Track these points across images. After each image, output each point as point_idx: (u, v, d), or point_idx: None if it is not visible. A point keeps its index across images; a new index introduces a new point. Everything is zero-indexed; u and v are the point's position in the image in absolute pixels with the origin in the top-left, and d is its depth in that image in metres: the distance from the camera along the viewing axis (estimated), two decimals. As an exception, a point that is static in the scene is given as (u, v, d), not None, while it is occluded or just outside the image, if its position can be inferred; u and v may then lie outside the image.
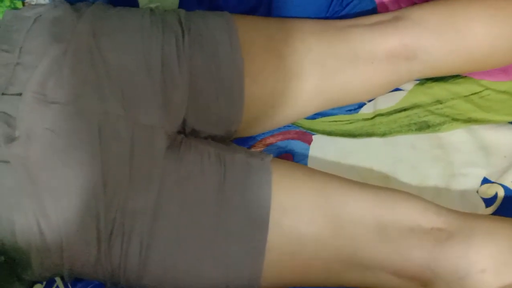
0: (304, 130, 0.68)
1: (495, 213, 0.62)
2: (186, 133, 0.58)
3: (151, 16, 0.57)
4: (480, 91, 0.68)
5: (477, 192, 0.64)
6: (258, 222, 0.51)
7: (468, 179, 0.64)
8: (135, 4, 0.64)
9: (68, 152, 0.49)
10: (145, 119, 0.53)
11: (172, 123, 0.55)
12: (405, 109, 0.68)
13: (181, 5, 0.65)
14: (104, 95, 0.51)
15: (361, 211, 0.53)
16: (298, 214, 0.52)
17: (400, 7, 0.67)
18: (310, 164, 0.66)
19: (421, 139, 0.66)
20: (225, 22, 0.59)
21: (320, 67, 0.60)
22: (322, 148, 0.67)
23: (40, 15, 0.56)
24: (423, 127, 0.67)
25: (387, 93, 0.66)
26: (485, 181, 0.64)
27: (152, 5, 0.64)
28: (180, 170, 0.52)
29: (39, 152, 0.49)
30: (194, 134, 0.59)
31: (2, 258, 0.49)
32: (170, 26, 0.57)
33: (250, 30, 0.60)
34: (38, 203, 0.48)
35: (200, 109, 0.57)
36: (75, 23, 0.54)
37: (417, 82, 0.69)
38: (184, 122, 0.57)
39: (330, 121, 0.68)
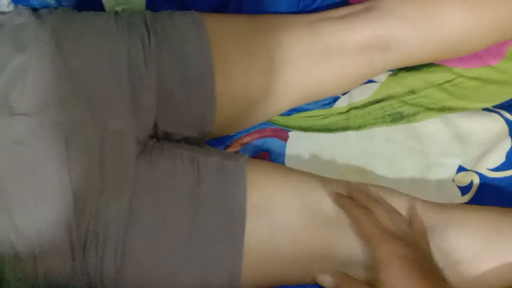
0: (280, 127, 0.68)
1: (471, 201, 0.62)
2: (158, 137, 0.58)
3: (116, 19, 0.56)
4: (453, 79, 0.68)
5: (453, 180, 0.64)
6: (234, 225, 0.51)
7: (444, 169, 0.64)
8: (100, 8, 0.62)
9: (35, 164, 0.48)
10: (114, 125, 0.52)
11: (143, 128, 0.55)
12: (379, 101, 0.67)
13: (149, 5, 0.64)
14: (70, 104, 0.50)
15: (336, 210, 0.53)
16: (274, 216, 0.52)
17: (372, -3, 0.66)
18: (287, 161, 0.66)
19: (396, 131, 0.66)
20: (192, 21, 0.58)
21: (292, 63, 0.60)
22: (298, 145, 0.66)
23: (2, 24, 0.55)
24: (397, 118, 0.67)
25: (361, 85, 0.66)
26: (461, 169, 0.64)
27: (118, 8, 0.63)
28: (152, 175, 0.51)
29: (7, 165, 0.48)
30: (167, 137, 0.58)
31: None
32: (135, 28, 0.56)
33: (219, 28, 0.60)
34: (8, 216, 0.48)
35: (172, 112, 0.57)
36: (38, 31, 0.53)
37: (390, 72, 0.69)
38: (155, 125, 0.56)
39: (305, 117, 0.67)
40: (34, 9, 0.58)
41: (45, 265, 0.48)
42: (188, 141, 0.59)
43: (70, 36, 0.53)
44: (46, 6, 0.60)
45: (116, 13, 0.58)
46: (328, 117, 0.67)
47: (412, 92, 0.68)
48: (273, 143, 0.67)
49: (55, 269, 0.49)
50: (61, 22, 0.54)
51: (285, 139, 0.67)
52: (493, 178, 0.62)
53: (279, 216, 0.52)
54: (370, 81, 0.68)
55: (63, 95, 0.50)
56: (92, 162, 0.49)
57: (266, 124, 0.67)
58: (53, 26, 0.53)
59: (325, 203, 0.54)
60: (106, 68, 0.52)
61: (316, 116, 0.68)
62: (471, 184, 0.63)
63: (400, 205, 0.54)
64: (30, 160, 0.48)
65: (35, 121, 0.49)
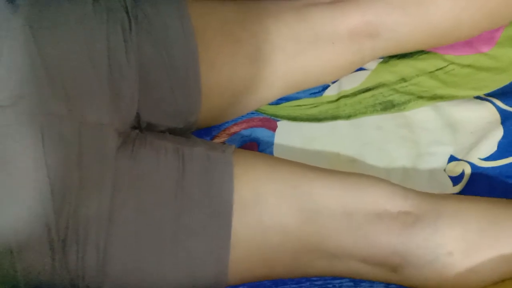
0: (269, 117, 0.66)
1: (462, 191, 0.62)
2: (141, 128, 0.56)
3: (94, 5, 0.54)
4: (445, 66, 0.67)
5: (445, 170, 0.63)
6: (221, 218, 0.50)
7: (435, 158, 0.63)
8: (78, -7, 0.59)
9: (9, 159, 0.46)
10: (93, 117, 0.50)
11: (124, 119, 0.52)
12: (369, 89, 0.66)
13: (130, -9, 0.62)
14: (46, 95, 0.48)
15: (327, 200, 0.52)
16: (263, 207, 0.51)
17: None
18: (276, 151, 0.65)
19: (386, 120, 0.65)
20: (176, 7, 0.56)
21: (280, 50, 0.58)
22: (287, 135, 0.65)
23: None
24: (388, 106, 0.66)
25: (351, 73, 0.65)
26: (452, 159, 0.63)
27: (98, -8, 0.60)
28: (134, 169, 0.50)
29: None
30: (151, 128, 0.56)
31: None
32: (115, 14, 0.53)
33: (204, 14, 0.58)
34: None
35: (155, 102, 0.55)
36: (9, 17, 0.50)
37: (381, 60, 0.67)
38: (138, 116, 0.54)
39: (294, 106, 0.66)
40: (6, -6, 0.56)
41: (24, 264, 0.46)
42: (172, 132, 0.57)
43: (45, 24, 0.50)
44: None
45: (94, -3, 0.56)
46: (317, 106, 0.66)
47: (403, 80, 0.66)
48: (261, 133, 0.65)
49: (34, 267, 0.47)
50: (35, 8, 0.51)
51: (274, 129, 0.66)
52: (485, 168, 0.62)
53: (268, 207, 0.51)
54: (360, 69, 0.66)
55: (38, 86, 0.48)
56: (70, 157, 0.47)
57: (254, 113, 0.66)
58: (26, 13, 0.50)
59: (315, 194, 0.52)
60: (83, 57, 0.50)
61: (305, 105, 0.66)
62: (462, 174, 0.62)
63: (393, 195, 0.53)
64: (3, 156, 0.46)
65: (9, 114, 0.46)
